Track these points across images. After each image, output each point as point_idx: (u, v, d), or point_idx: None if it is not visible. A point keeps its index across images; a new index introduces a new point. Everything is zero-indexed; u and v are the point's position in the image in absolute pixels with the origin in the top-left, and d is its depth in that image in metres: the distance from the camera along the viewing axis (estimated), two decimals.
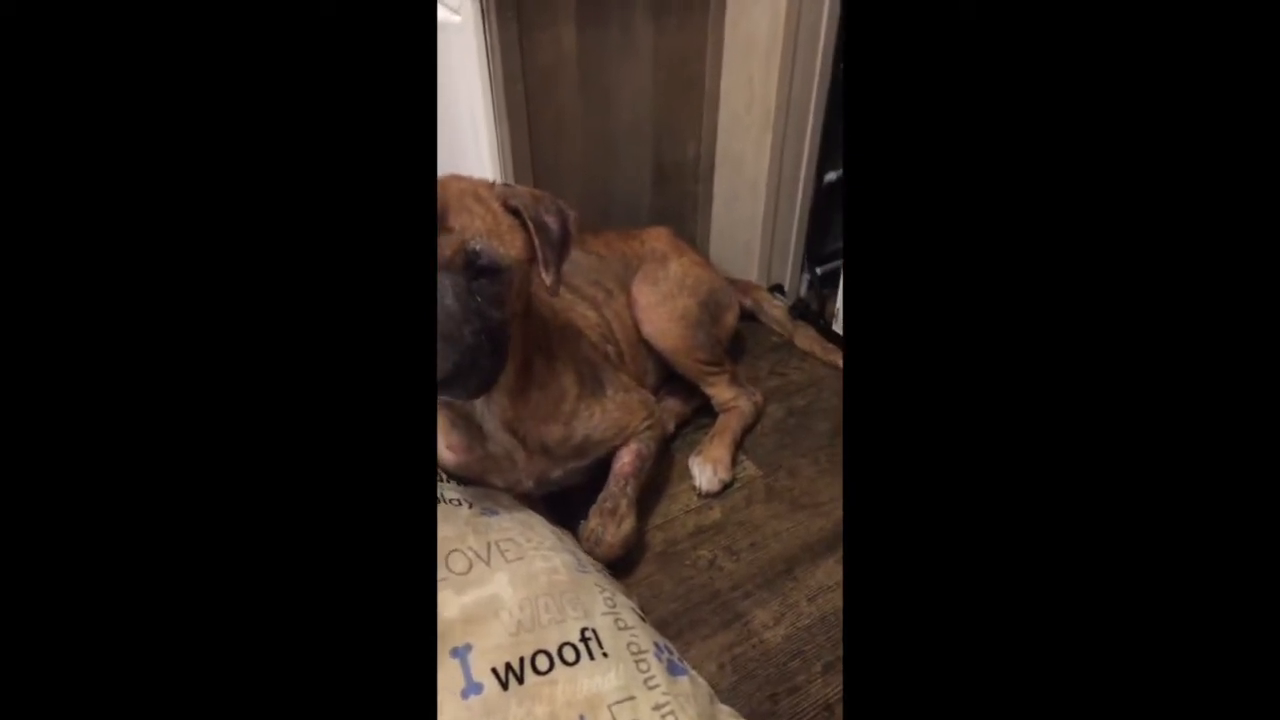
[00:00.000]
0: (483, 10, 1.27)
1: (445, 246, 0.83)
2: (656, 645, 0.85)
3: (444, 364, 0.80)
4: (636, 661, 0.81)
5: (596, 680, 0.77)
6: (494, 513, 0.97)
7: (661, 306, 1.31)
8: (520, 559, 0.87)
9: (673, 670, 0.83)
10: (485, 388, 0.90)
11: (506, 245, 0.87)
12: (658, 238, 1.48)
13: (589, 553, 1.06)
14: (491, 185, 0.91)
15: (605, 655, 0.80)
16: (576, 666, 0.78)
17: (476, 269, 0.85)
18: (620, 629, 0.84)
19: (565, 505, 1.19)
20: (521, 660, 0.77)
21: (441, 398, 0.88)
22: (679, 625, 1.07)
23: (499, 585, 0.84)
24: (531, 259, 0.91)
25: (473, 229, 0.85)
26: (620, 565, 1.12)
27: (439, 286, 0.83)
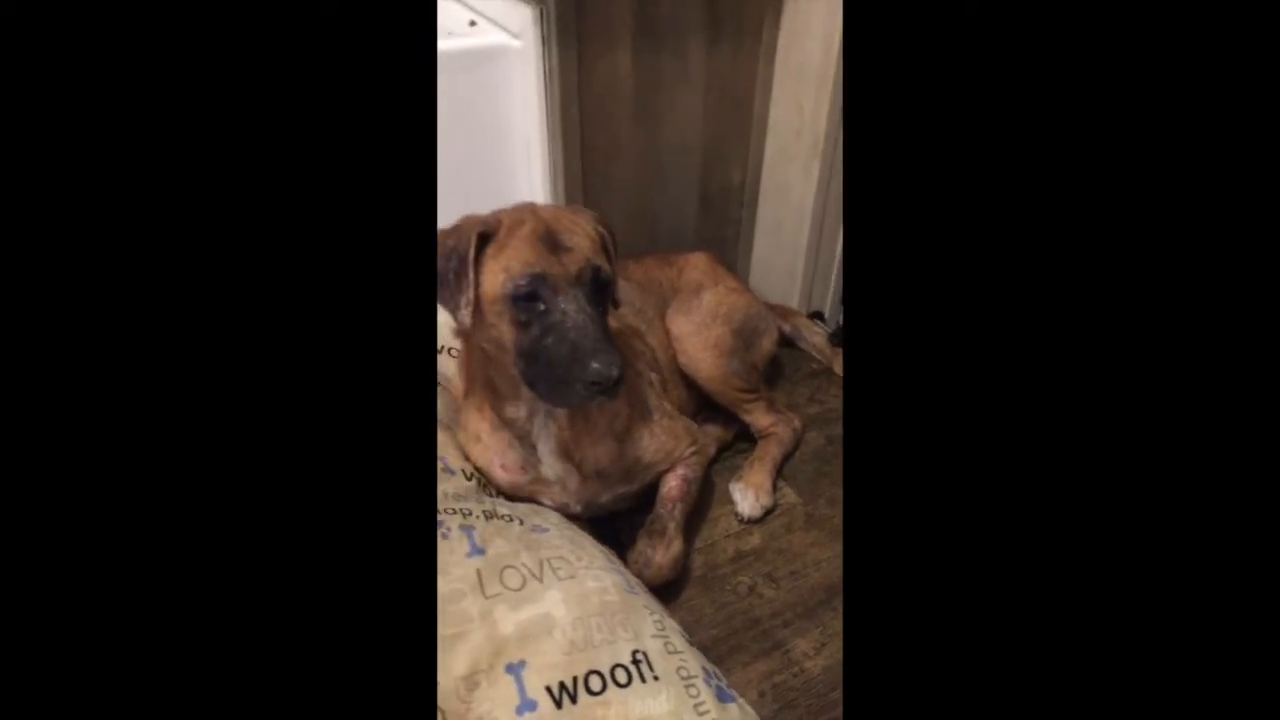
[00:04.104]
0: (543, 36, 1.31)
1: (571, 264, 0.90)
2: (705, 670, 0.85)
3: (615, 366, 0.85)
4: (686, 686, 0.81)
5: (648, 703, 0.78)
6: (544, 530, 0.98)
7: (695, 336, 1.32)
8: (572, 577, 0.88)
9: (721, 697, 0.83)
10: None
11: (605, 263, 0.94)
12: (696, 264, 1.49)
13: (637, 575, 1.06)
14: (575, 211, 0.98)
15: (656, 678, 0.80)
16: (628, 689, 0.78)
17: (596, 284, 0.91)
18: (670, 652, 0.84)
19: (609, 528, 1.20)
20: (575, 680, 0.78)
21: (592, 403, 0.94)
22: (719, 651, 1.06)
23: (551, 603, 0.84)
24: None
25: (586, 247, 0.92)
26: (664, 589, 1.12)
27: (575, 301, 0.89)
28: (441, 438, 1.11)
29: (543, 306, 0.90)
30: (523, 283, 0.89)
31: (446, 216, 1.04)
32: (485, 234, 0.92)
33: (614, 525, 1.20)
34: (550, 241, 0.91)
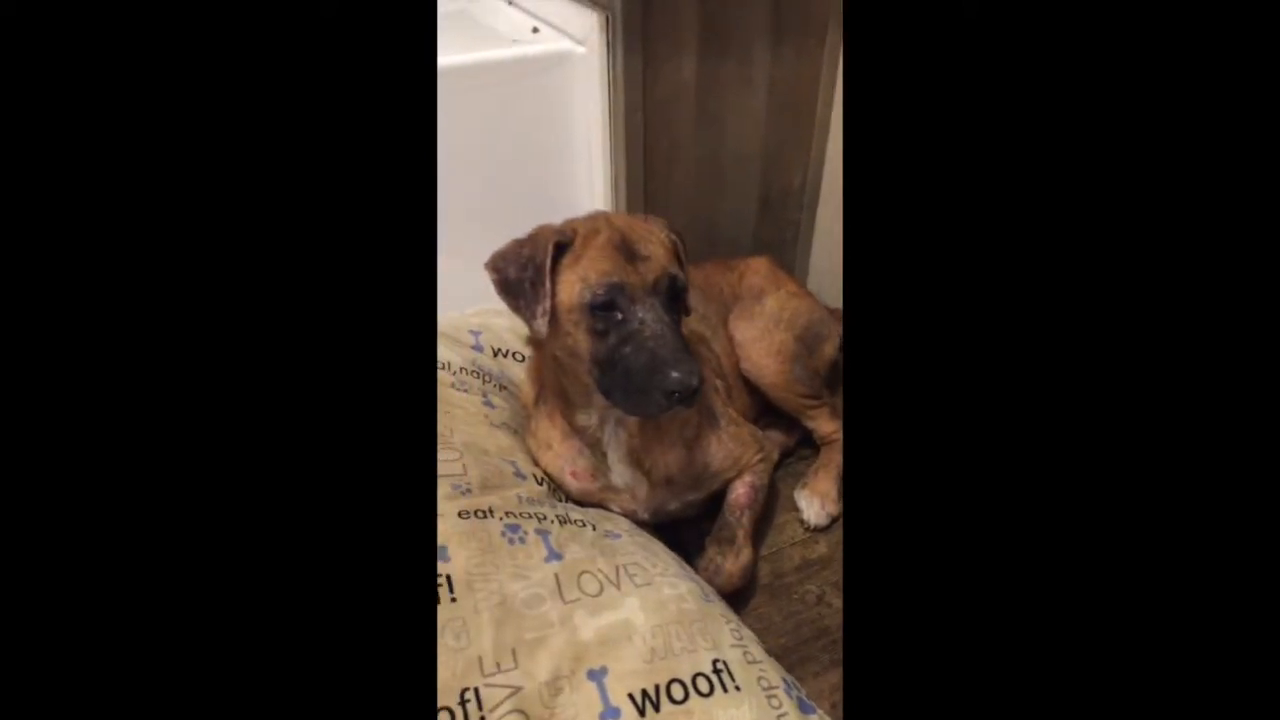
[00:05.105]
0: (608, 42, 1.31)
1: (648, 273, 0.90)
2: (785, 681, 0.85)
3: (695, 375, 0.85)
4: (768, 696, 0.81)
5: (730, 713, 0.78)
6: (616, 536, 0.98)
7: (759, 342, 1.32)
8: (649, 584, 0.89)
9: (803, 708, 0.82)
10: None
11: (680, 271, 0.94)
12: (756, 269, 1.48)
13: (708, 582, 1.06)
14: (646, 218, 0.98)
15: (738, 688, 0.80)
16: (710, 698, 0.78)
17: (672, 292, 0.92)
18: (749, 662, 0.84)
19: (673, 536, 1.20)
20: (657, 688, 0.78)
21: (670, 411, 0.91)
22: (789, 660, 1.06)
23: (630, 610, 0.85)
24: None
25: (662, 256, 0.92)
26: (732, 597, 1.12)
27: (653, 310, 0.89)
28: (511, 443, 1.12)
29: (620, 316, 0.90)
30: (600, 292, 0.90)
31: (509, 221, 1.05)
32: (561, 244, 0.93)
33: (677, 533, 1.20)
34: (627, 251, 0.92)
